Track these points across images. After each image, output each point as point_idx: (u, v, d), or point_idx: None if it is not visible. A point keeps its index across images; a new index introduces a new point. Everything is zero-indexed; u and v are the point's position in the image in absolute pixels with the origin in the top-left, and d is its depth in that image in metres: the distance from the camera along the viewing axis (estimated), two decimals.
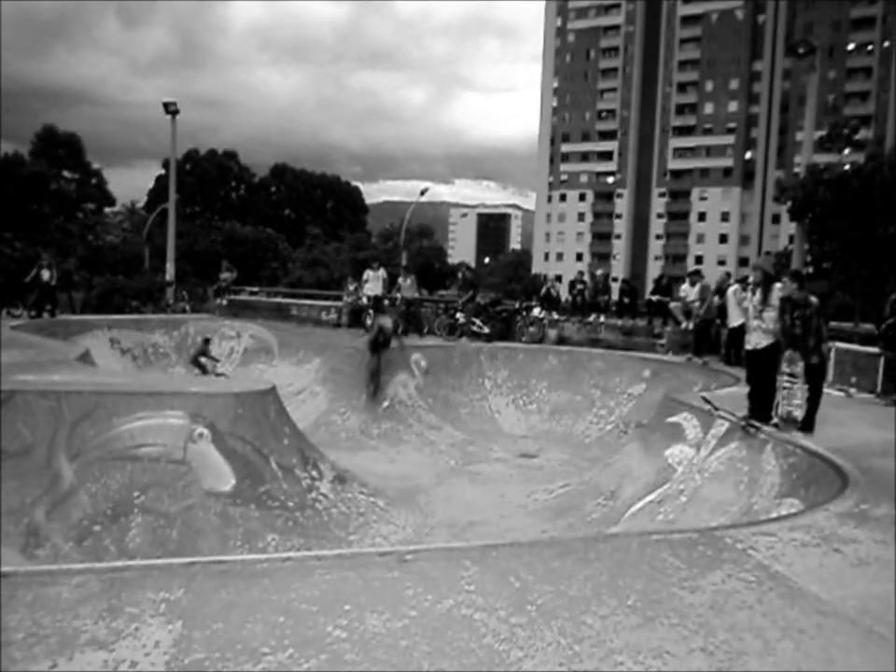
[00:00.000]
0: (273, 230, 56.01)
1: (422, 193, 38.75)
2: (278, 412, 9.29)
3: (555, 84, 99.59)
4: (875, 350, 11.75)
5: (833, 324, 16.48)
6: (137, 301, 23.57)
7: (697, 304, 14.76)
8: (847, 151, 27.56)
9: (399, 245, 36.56)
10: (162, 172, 62.46)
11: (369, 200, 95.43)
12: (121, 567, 3.72)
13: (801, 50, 18.00)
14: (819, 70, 20.21)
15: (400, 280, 18.94)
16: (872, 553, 4.36)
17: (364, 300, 18.91)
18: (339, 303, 20.95)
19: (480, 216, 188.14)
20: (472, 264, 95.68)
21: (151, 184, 69.65)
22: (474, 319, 17.70)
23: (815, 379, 7.92)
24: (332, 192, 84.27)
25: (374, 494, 9.58)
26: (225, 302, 21.73)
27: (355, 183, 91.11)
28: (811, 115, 19.35)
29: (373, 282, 18.66)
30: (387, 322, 14.84)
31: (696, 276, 15.60)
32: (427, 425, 14.09)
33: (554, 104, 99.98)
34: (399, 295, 18.73)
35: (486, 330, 17.44)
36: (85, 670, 2.64)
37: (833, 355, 12.29)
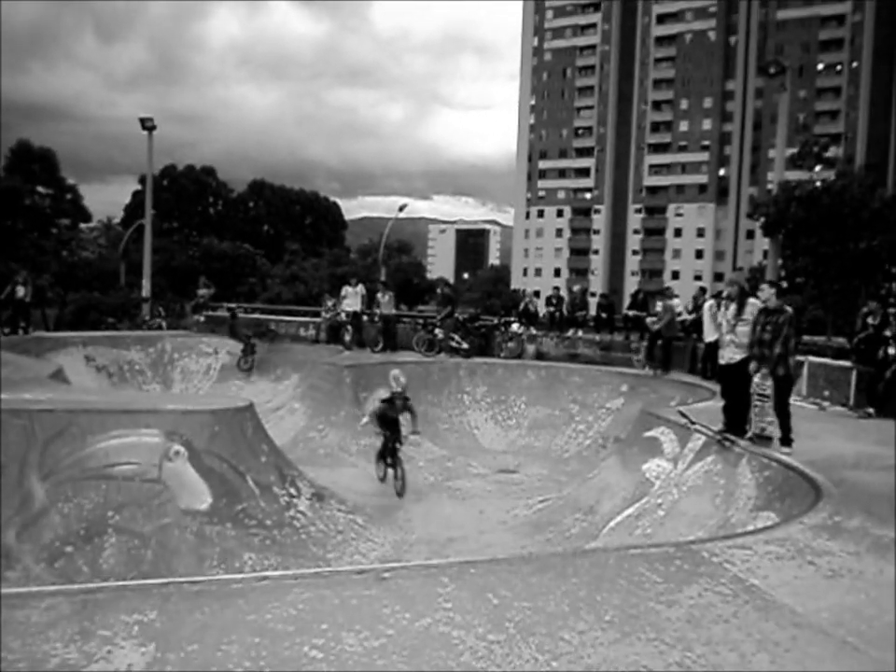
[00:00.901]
0: (251, 245, 55.69)
1: (401, 209, 38.81)
2: (255, 429, 9.21)
3: (532, 102, 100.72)
4: (847, 364, 11.95)
5: (805, 338, 16.77)
6: (113, 318, 23.25)
7: (653, 320, 15.09)
8: (817, 169, 28.04)
9: (377, 261, 36.54)
10: (139, 187, 62.04)
11: (347, 216, 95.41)
12: (94, 589, 3.66)
13: (772, 70, 18.37)
14: (789, 89, 20.59)
15: (379, 296, 18.98)
16: (845, 565, 4.41)
17: (342, 315, 18.88)
18: (317, 319, 20.89)
19: (458, 231, 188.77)
20: (451, 280, 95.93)
21: (128, 199, 69.07)
22: (453, 335, 17.72)
23: (780, 392, 7.96)
24: (311, 208, 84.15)
25: (353, 511, 9.52)
26: (202, 318, 21.56)
27: (333, 199, 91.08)
28: (783, 133, 19.70)
29: (352, 298, 18.63)
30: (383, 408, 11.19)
31: (662, 295, 15.98)
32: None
33: (532, 121, 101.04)
34: (377, 311, 18.74)
35: (465, 346, 17.46)
36: None
37: (805, 369, 12.49)
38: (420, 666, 2.90)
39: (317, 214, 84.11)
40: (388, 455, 11.02)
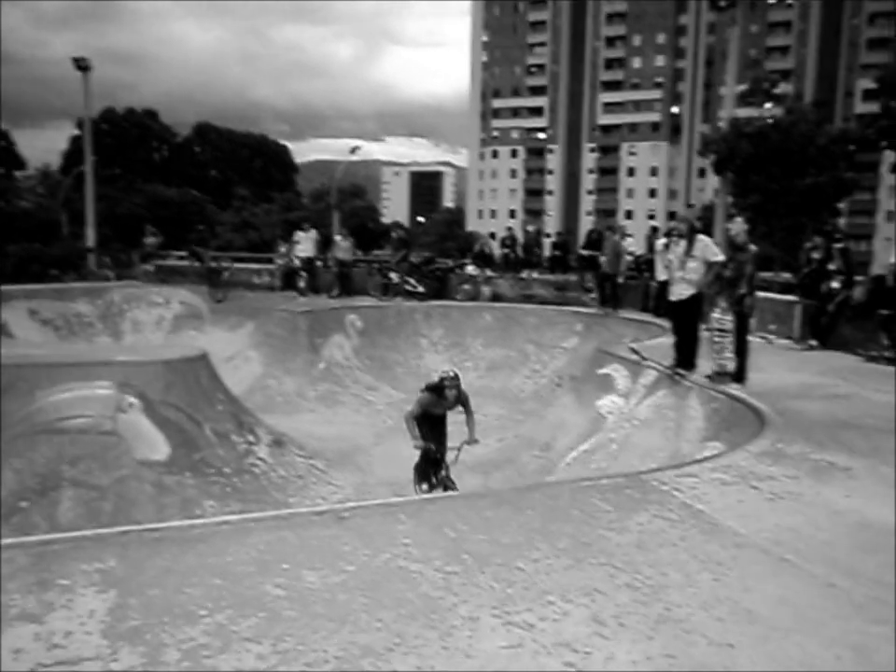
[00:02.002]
0: (199, 191, 54.15)
1: (352, 151, 38.00)
2: (210, 378, 9.15)
3: (485, 38, 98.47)
4: (792, 298, 12.29)
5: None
6: (57, 270, 22.51)
7: (602, 258, 15.23)
8: (768, 105, 28.26)
9: (330, 206, 35.85)
10: (77, 132, 59.25)
11: (298, 159, 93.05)
12: (50, 540, 3.64)
13: (723, 4, 18.26)
14: (740, 24, 20.56)
15: (339, 240, 18.72)
16: (785, 489, 4.63)
17: (296, 262, 18.61)
18: (271, 266, 20.55)
19: (413, 174, 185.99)
20: (406, 223, 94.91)
21: (65, 146, 66.12)
22: (408, 279, 17.67)
23: (741, 328, 8.18)
24: (260, 152, 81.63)
25: (313, 456, 9.60)
26: (151, 268, 21.01)
27: (283, 142, 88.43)
28: (733, 69, 19.74)
29: (305, 243, 18.36)
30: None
31: (610, 231, 16.08)
32: (363, 385, 14.10)
33: (484, 58, 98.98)
34: (331, 256, 18.53)
35: (421, 289, 17.45)
36: (16, 645, 2.60)
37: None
38: (380, 599, 2.99)
39: (266, 157, 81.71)
40: (432, 471, 7.37)
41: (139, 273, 20.83)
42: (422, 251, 26.34)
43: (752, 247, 8.18)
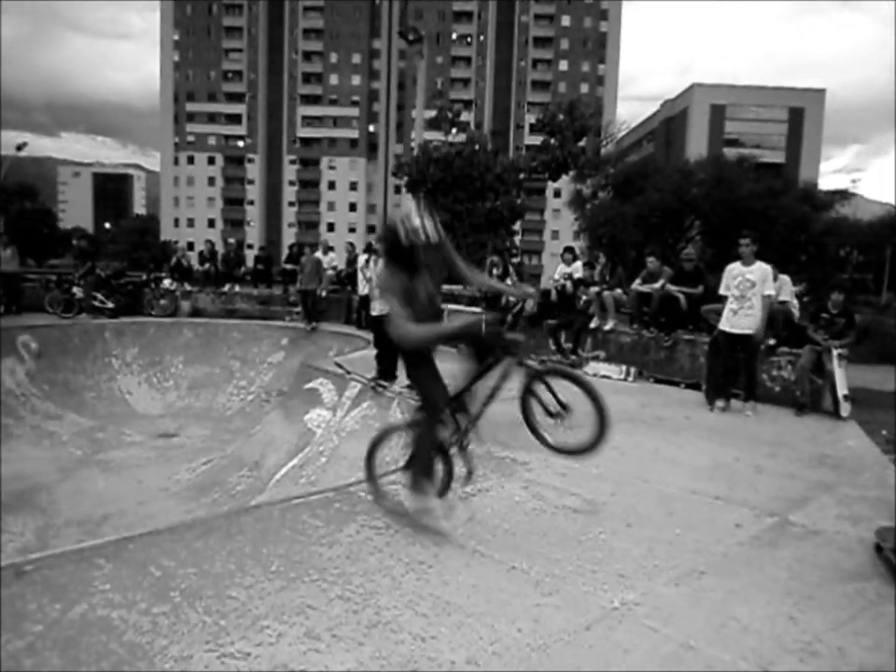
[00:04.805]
0: None
1: (19, 148, 33.59)
2: None
3: (176, 37, 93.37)
4: (478, 310, 13.61)
5: (444, 288, 18.63)
6: None
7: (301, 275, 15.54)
8: (453, 131, 30.98)
9: None
10: None
11: None
12: None
13: (410, 37, 19.66)
14: (426, 56, 22.27)
15: None
16: (477, 486, 5.15)
17: None
18: None
19: (96, 175, 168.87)
20: (90, 230, 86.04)
21: None
22: (95, 293, 16.08)
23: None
24: None
25: None
26: None
27: None
28: (421, 97, 21.39)
29: None
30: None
31: (315, 247, 16.53)
32: (43, 414, 12.51)
33: (176, 58, 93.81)
34: None
35: (110, 305, 16.00)
36: None
37: (445, 316, 13.97)
38: (77, 655, 2.75)
39: None
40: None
41: None
42: (111, 262, 24.11)
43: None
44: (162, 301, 16.94)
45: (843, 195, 27.76)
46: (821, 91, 79.97)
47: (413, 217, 3.89)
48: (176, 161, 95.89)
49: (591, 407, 3.82)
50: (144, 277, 18.28)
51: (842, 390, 8.20)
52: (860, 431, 7.59)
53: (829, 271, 21.17)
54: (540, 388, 4.15)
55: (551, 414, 4.12)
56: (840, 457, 6.41)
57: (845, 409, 8.14)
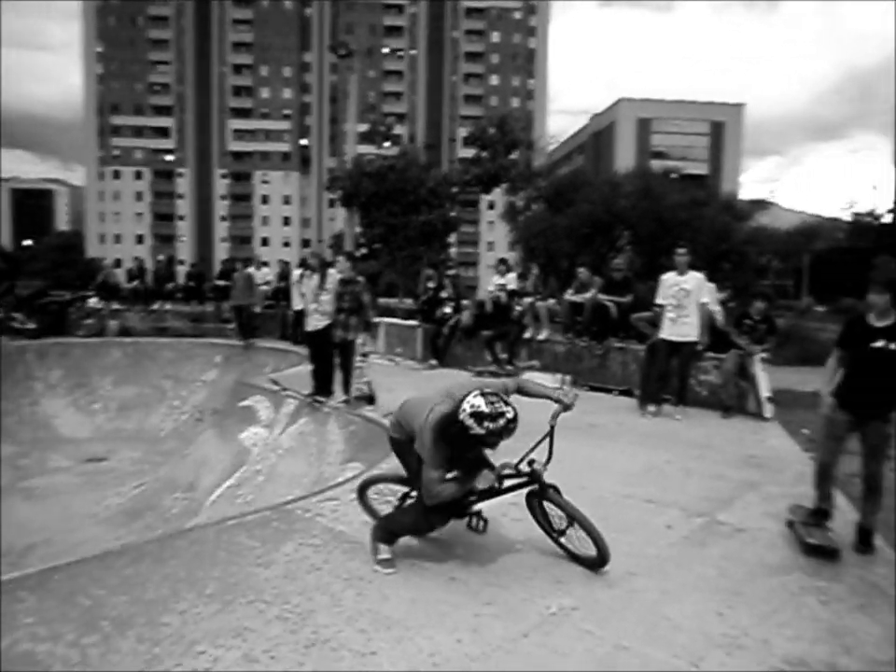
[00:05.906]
0: None
1: None
2: None
3: (99, 49, 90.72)
4: (414, 323, 13.68)
5: (381, 300, 18.66)
6: None
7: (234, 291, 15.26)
8: (386, 145, 31.02)
9: None
10: None
11: None
12: None
13: (341, 52, 19.66)
14: (358, 71, 22.33)
15: None
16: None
17: None
18: None
19: (14, 191, 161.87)
20: (8, 247, 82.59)
21: None
22: (14, 314, 15.42)
23: (345, 354, 8.87)
24: None
25: None
26: None
27: None
28: (353, 111, 21.44)
29: None
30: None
31: (249, 262, 16.23)
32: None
33: (100, 70, 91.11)
34: None
35: (31, 326, 15.35)
36: None
37: (382, 329, 13.97)
38: None
39: None
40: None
41: None
42: (32, 281, 23.20)
43: (360, 279, 9.01)
44: (88, 321, 16.37)
45: (762, 205, 28.96)
46: (740, 106, 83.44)
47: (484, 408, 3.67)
48: (101, 176, 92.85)
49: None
50: (68, 296, 17.63)
51: (765, 392, 8.56)
52: (782, 431, 7.94)
53: (751, 278, 21.99)
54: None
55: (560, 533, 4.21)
56: (764, 457, 6.69)
57: (768, 410, 8.50)
